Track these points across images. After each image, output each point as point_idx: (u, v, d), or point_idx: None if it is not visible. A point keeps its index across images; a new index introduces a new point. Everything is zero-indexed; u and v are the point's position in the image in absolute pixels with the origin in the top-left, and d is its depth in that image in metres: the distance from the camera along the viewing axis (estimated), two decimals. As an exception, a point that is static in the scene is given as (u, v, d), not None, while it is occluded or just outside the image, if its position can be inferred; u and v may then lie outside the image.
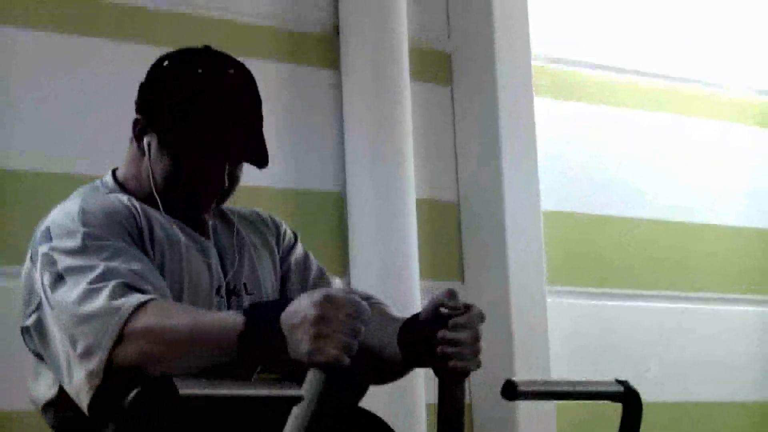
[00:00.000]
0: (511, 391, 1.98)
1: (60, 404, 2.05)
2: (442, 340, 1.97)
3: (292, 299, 1.86)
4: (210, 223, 2.22)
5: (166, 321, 1.92)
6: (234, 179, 2.17)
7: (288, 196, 3.42)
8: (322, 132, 3.68)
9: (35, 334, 2.03)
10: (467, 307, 2.01)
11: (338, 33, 3.69)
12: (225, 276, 2.19)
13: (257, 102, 2.15)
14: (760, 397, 4.46)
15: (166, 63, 2.17)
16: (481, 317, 2.02)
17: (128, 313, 1.90)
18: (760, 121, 4.73)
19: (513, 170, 3.88)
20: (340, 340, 1.77)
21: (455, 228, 3.92)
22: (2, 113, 3.24)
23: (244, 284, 2.19)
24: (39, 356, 2.06)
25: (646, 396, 2.19)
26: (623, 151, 4.40)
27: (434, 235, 3.85)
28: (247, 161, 2.13)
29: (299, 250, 2.36)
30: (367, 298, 2.23)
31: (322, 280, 2.31)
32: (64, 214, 2.09)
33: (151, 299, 1.93)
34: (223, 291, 2.15)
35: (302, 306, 1.80)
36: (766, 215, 4.67)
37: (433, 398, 3.53)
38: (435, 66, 3.98)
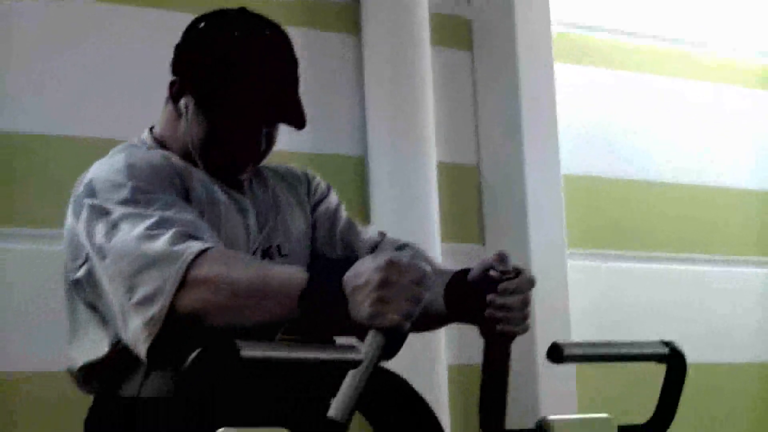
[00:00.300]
0: (557, 354, 1.95)
1: (105, 363, 2.05)
2: (491, 303, 1.96)
3: (355, 259, 1.85)
4: (246, 181, 2.22)
5: (230, 270, 1.90)
6: (270, 140, 2.17)
7: (310, 161, 3.39)
8: (343, 97, 3.69)
9: (87, 286, 2.03)
10: (517, 272, 2.00)
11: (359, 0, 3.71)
12: (260, 236, 2.21)
13: (293, 63, 2.15)
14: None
15: (202, 24, 2.17)
16: (531, 282, 2.01)
17: (191, 258, 1.89)
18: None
19: (533, 133, 3.89)
20: (402, 306, 1.76)
21: (476, 191, 3.94)
22: (16, 80, 3.22)
23: (278, 246, 2.20)
24: (92, 307, 2.05)
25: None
26: (644, 115, 4.39)
27: (455, 198, 3.86)
28: (284, 122, 2.14)
29: (330, 202, 2.35)
30: (403, 246, 2.28)
31: (349, 232, 2.31)
32: (107, 168, 2.08)
33: (212, 247, 1.93)
34: (259, 253, 2.15)
35: (366, 268, 1.79)
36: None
37: (454, 359, 3.66)
38: (455, 31, 3.98)
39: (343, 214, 2.34)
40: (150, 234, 1.92)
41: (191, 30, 2.16)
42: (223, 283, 1.87)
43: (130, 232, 1.94)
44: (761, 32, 4.69)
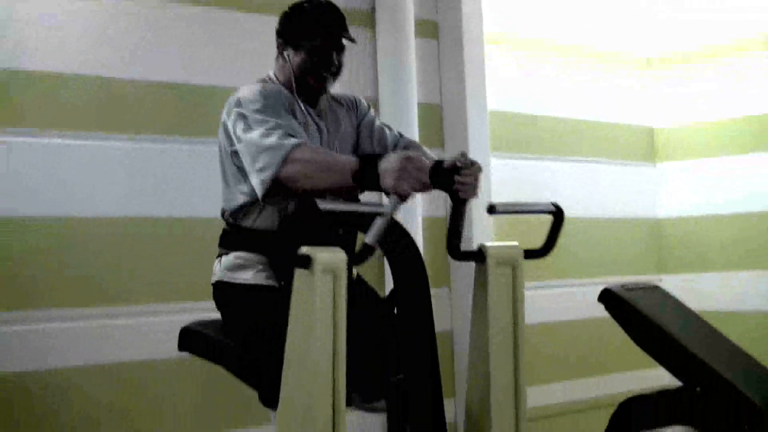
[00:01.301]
0: (492, 209, 2.28)
1: (245, 208, 2.45)
2: (456, 181, 2.28)
3: (387, 154, 2.16)
4: (324, 111, 2.56)
5: (314, 155, 2.28)
6: (340, 63, 2.55)
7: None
8: (364, 65, 4.37)
9: (239, 155, 2.41)
10: (473, 163, 2.31)
11: (374, 10, 4.45)
12: (329, 148, 2.49)
13: (341, 15, 2.58)
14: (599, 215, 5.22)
15: (289, 9, 2.57)
16: (480, 170, 2.32)
17: (290, 147, 2.26)
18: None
19: (472, 86, 4.63)
20: (411, 184, 2.11)
21: (439, 118, 4.69)
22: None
23: (337, 151, 2.46)
24: (239, 169, 2.41)
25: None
26: (546, 82, 5.18)
27: (428, 120, 4.59)
28: (344, 39, 2.52)
29: (370, 116, 2.71)
30: (412, 142, 2.68)
31: (381, 135, 2.66)
32: (249, 91, 2.44)
33: (305, 142, 2.31)
34: None
35: (392, 159, 2.13)
36: (630, 115, 5.56)
37: (426, 213, 4.37)
38: (429, 29, 4.70)
39: (378, 123, 2.70)
40: (269, 132, 2.29)
41: (286, 11, 2.59)
42: (309, 162, 2.22)
43: (257, 130, 2.30)
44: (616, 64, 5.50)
